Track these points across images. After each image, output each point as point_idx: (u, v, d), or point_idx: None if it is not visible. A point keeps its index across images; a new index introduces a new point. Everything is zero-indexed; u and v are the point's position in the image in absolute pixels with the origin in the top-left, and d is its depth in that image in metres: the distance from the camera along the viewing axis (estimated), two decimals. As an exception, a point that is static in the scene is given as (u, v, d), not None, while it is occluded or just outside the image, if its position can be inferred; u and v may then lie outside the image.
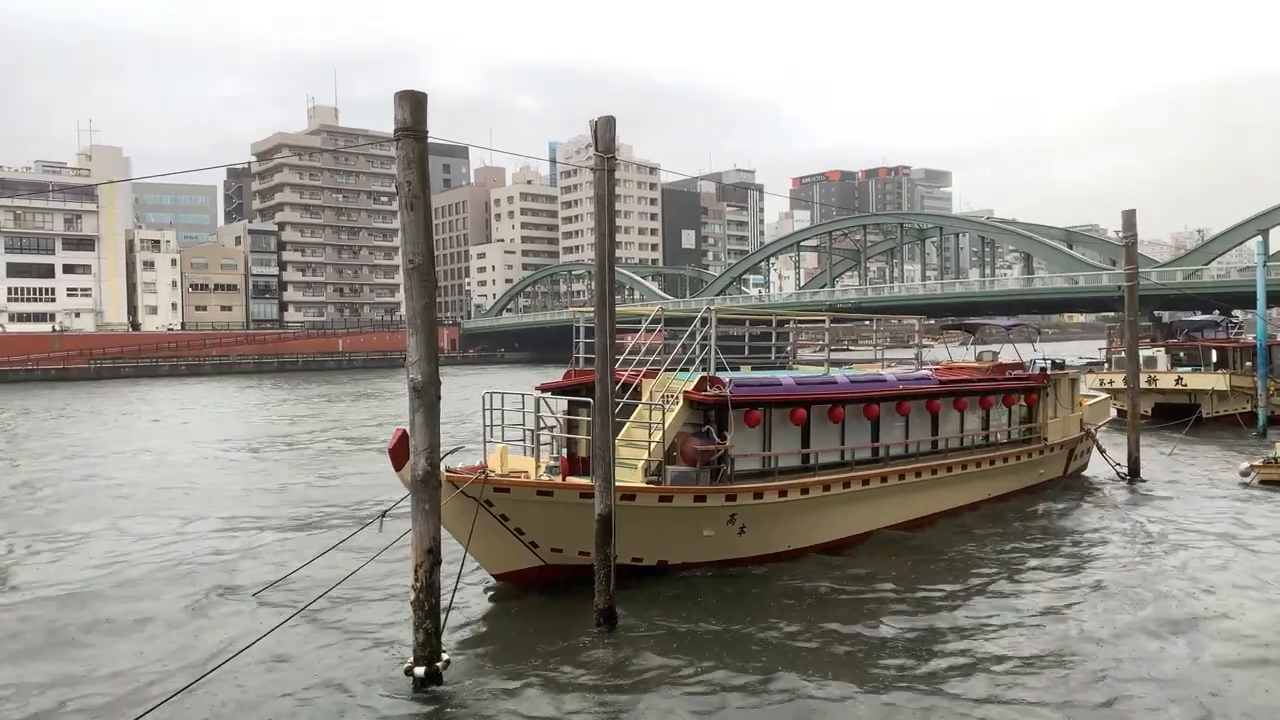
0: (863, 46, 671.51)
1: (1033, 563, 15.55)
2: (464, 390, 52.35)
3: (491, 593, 13.86)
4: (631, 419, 14.47)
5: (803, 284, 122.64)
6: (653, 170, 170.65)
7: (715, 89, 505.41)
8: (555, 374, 19.14)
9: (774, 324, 19.04)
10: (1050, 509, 20.01)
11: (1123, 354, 30.73)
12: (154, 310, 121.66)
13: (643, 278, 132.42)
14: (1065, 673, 10.52)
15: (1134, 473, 23.34)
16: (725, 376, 14.81)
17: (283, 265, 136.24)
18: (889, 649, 11.38)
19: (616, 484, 12.43)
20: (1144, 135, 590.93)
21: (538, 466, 14.10)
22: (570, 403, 15.24)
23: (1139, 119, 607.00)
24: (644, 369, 15.22)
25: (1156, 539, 17.10)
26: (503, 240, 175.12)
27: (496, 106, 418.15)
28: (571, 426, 15.14)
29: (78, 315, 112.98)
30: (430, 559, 10.27)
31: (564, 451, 15.19)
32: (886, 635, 11.87)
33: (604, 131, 12.17)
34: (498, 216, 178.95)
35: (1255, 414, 32.64)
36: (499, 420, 14.26)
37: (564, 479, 13.51)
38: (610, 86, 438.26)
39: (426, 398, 10.29)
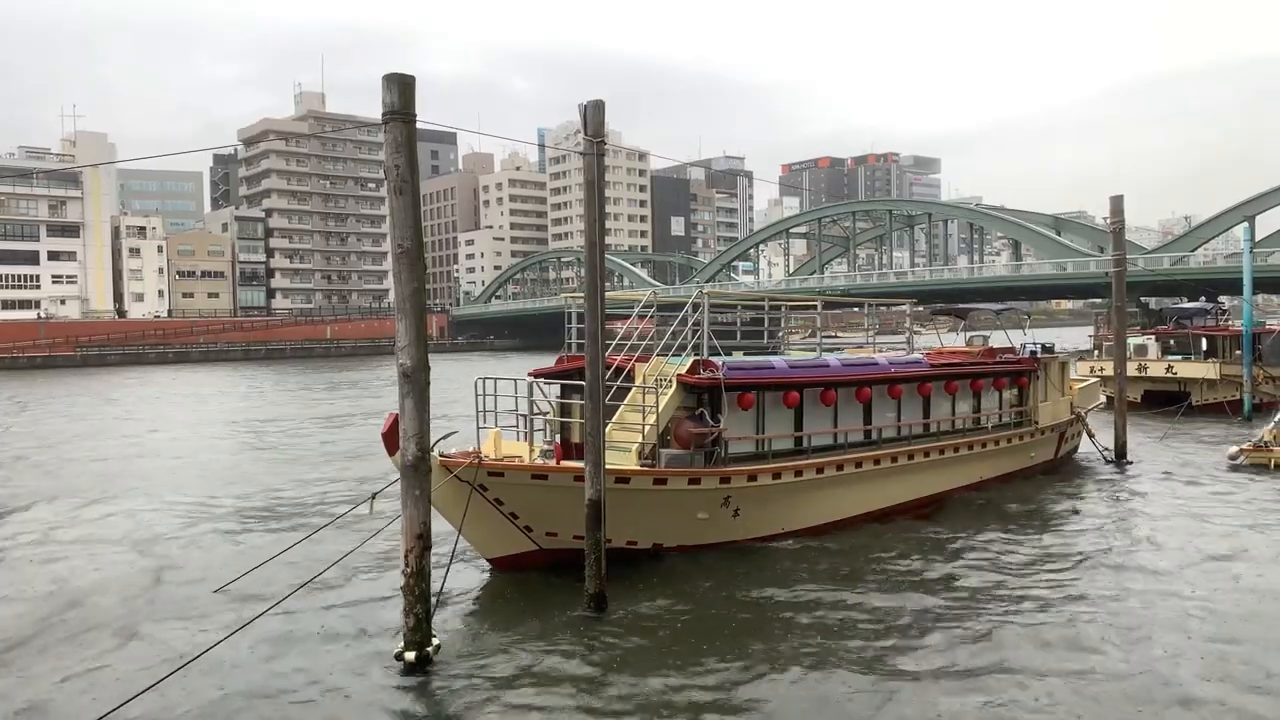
0: (854, 35, 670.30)
1: (1021, 542, 15.61)
2: (454, 378, 52.17)
3: (482, 577, 13.83)
4: (625, 403, 14.44)
5: (792, 271, 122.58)
6: (642, 156, 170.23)
7: (706, 76, 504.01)
8: (545, 360, 19.04)
9: (766, 309, 19.01)
10: (1040, 491, 20.12)
11: (1111, 340, 30.85)
12: (140, 298, 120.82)
13: (632, 264, 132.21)
14: (1049, 651, 10.56)
15: (1120, 456, 23.51)
16: (718, 360, 14.78)
17: (270, 252, 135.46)
18: (878, 629, 11.41)
19: (611, 467, 12.42)
20: (1136, 123, 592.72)
21: (531, 451, 14.05)
22: (563, 388, 15.19)
23: (1131, 107, 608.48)
24: (637, 354, 15.18)
25: (1145, 520, 17.17)
26: (491, 227, 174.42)
27: (485, 93, 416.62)
28: (565, 411, 15.09)
29: (63, 302, 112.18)
30: (420, 544, 10.24)
31: (558, 436, 15.15)
32: (876, 616, 11.89)
33: (593, 115, 12.07)
34: (486, 203, 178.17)
35: (1242, 400, 32.85)
36: (492, 406, 14.21)
37: (558, 463, 13.47)
38: (600, 75, 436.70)
39: (416, 383, 10.24)
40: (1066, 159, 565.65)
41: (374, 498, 12.39)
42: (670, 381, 14.39)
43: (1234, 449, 22.99)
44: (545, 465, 13.36)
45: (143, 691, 9.15)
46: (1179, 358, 36.86)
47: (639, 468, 13.58)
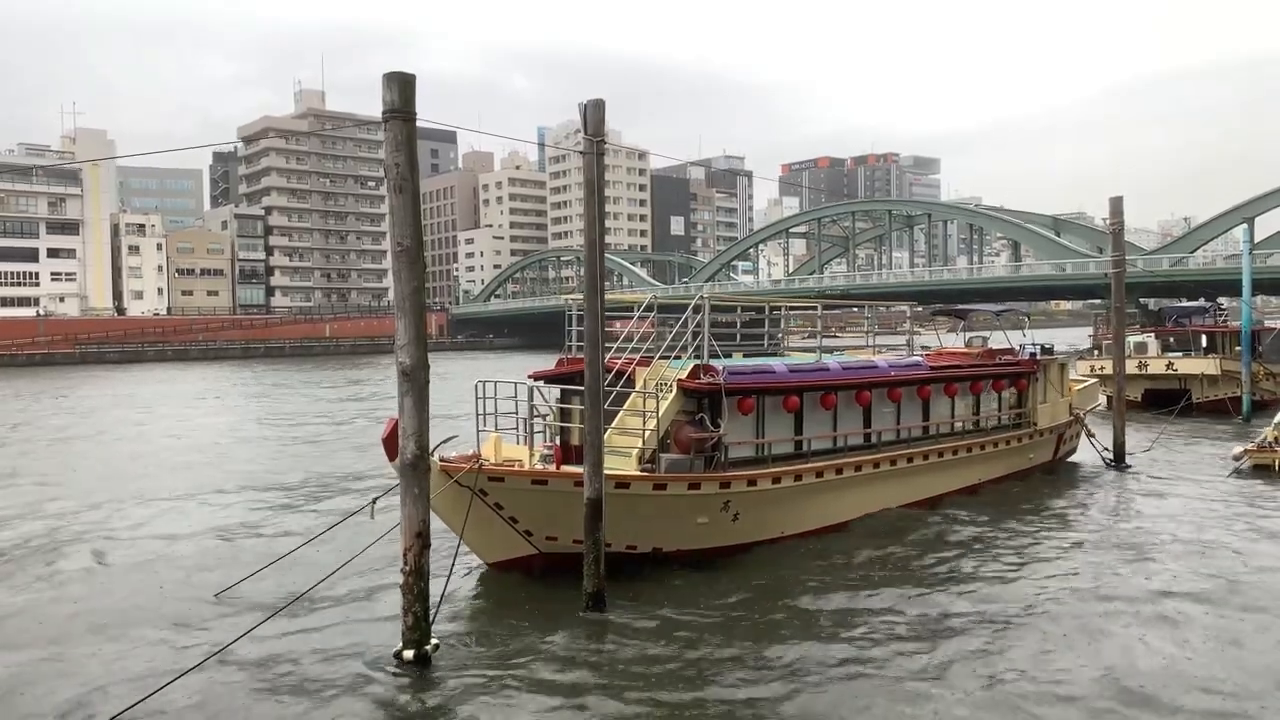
0: (854, 35, 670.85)
1: (1019, 547, 15.58)
2: (455, 374, 52.15)
3: (483, 579, 13.82)
4: (625, 407, 14.40)
5: (791, 271, 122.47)
6: (642, 156, 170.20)
7: (706, 76, 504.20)
8: (545, 360, 19.01)
9: (766, 311, 18.97)
10: (1039, 493, 20.09)
11: (1110, 339, 30.83)
12: (139, 295, 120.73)
13: (632, 264, 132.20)
14: (1040, 659, 10.54)
15: (1119, 458, 23.45)
16: (719, 364, 14.74)
17: (269, 250, 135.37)
18: (877, 634, 11.40)
19: (611, 472, 12.39)
20: (1136, 123, 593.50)
21: (531, 455, 14.03)
22: (563, 391, 15.15)
23: (1131, 107, 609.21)
24: (637, 357, 15.14)
25: (1145, 524, 17.09)
26: (491, 226, 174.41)
27: (485, 93, 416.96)
28: (565, 415, 15.06)
29: (62, 300, 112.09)
30: (419, 543, 10.23)
31: (558, 440, 15.11)
32: (875, 620, 11.88)
33: (593, 114, 12.03)
34: (486, 202, 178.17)
35: (1241, 398, 32.85)
36: (492, 409, 14.19)
37: (558, 467, 13.45)
38: (600, 75, 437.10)
39: (415, 381, 10.22)
40: (1066, 159, 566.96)
41: (374, 502, 12.38)
42: (670, 386, 14.36)
43: (1238, 449, 22.85)
44: (545, 470, 13.33)
45: (147, 696, 9.15)
46: (1179, 355, 36.86)
47: (639, 473, 13.55)
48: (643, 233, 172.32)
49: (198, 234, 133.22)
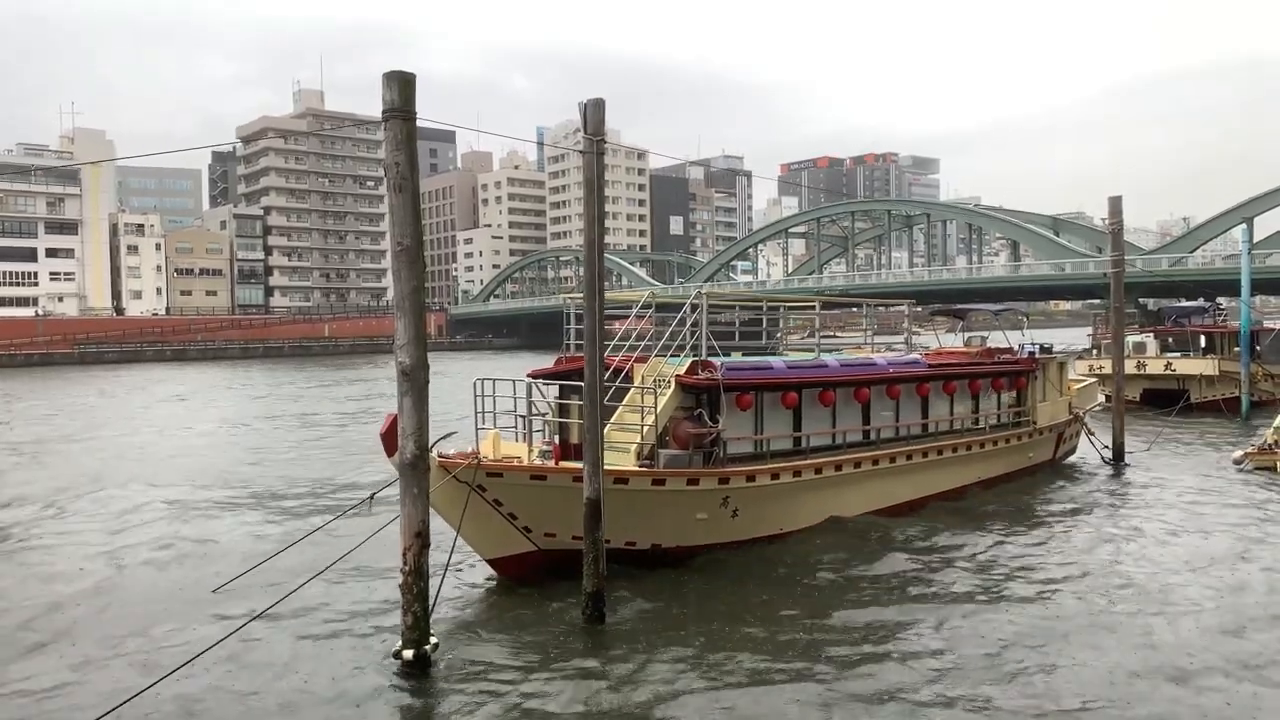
0: (854, 35, 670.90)
1: (1017, 545, 15.57)
2: (454, 378, 52.07)
3: (482, 577, 13.82)
4: (624, 403, 14.42)
5: (791, 271, 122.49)
6: (641, 155, 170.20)
7: (706, 76, 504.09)
8: (544, 360, 19.02)
9: (764, 309, 19.01)
10: (1038, 492, 20.10)
11: (1109, 338, 30.86)
12: (138, 295, 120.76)
13: (631, 264, 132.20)
14: (1040, 658, 10.53)
15: (1119, 457, 23.48)
16: (717, 361, 14.76)
17: (268, 250, 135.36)
18: (874, 633, 11.40)
19: (609, 468, 12.40)
20: (1136, 123, 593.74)
21: (530, 452, 14.04)
22: (562, 388, 15.15)
23: (1131, 107, 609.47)
24: (635, 354, 15.15)
25: (1145, 524, 17.08)
26: (490, 225, 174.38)
27: (485, 92, 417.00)
28: (563, 412, 15.06)
29: (61, 299, 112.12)
30: (419, 542, 10.22)
31: (557, 437, 15.13)
32: (872, 619, 11.88)
33: (593, 114, 12.00)
34: (485, 202, 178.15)
35: (1239, 398, 32.84)
36: (491, 407, 14.20)
37: (557, 464, 13.46)
38: (600, 75, 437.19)
39: (415, 381, 10.21)
40: (1066, 159, 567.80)
41: (372, 497, 12.39)
42: (669, 382, 14.37)
43: (1239, 453, 22.79)
44: (544, 466, 13.34)
45: (141, 691, 9.14)
46: (1177, 355, 36.86)
47: (638, 468, 13.56)
48: (642, 233, 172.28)
49: (196, 234, 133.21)
